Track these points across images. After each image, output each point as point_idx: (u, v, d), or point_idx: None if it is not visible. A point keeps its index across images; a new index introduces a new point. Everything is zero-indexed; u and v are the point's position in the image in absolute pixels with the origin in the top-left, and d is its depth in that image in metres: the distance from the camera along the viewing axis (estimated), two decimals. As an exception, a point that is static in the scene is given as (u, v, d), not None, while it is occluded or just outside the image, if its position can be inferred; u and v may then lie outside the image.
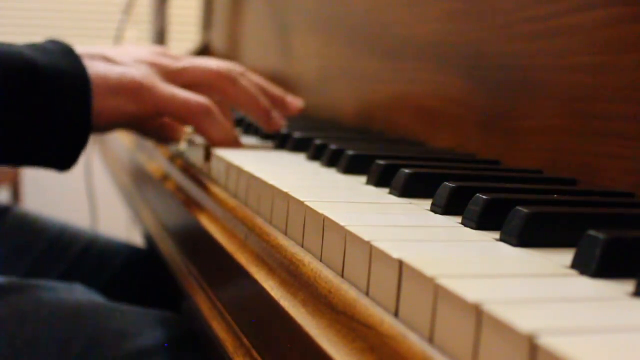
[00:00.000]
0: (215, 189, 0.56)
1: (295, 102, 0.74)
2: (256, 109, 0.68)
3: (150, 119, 0.67)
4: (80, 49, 0.64)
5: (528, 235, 0.34)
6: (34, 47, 0.62)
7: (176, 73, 0.67)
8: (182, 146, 0.72)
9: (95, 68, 0.63)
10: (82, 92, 0.61)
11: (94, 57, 0.65)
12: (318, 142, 0.61)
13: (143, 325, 0.60)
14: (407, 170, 0.46)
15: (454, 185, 0.41)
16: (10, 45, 0.60)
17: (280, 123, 0.70)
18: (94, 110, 0.62)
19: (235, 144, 0.66)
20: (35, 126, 0.60)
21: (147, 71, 0.65)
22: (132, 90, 0.63)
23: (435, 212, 0.41)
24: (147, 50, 0.70)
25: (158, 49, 0.73)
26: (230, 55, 1.40)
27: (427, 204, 0.42)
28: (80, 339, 0.58)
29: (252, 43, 1.34)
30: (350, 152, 0.54)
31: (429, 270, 0.28)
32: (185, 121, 0.67)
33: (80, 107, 0.61)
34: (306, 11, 1.07)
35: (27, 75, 0.59)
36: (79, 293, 0.67)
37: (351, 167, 0.53)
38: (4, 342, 0.57)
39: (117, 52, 0.67)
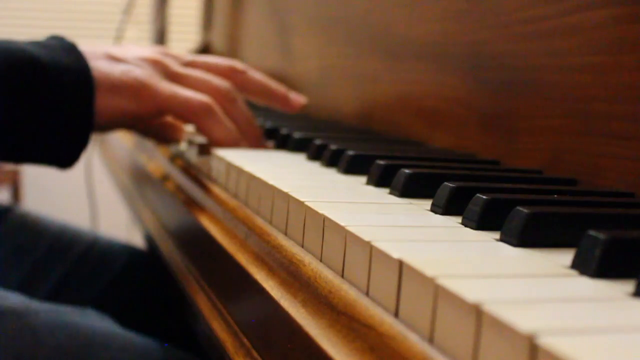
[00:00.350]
0: (215, 189, 0.56)
1: (298, 98, 0.74)
2: (248, 130, 0.68)
3: (152, 117, 0.67)
4: (83, 46, 0.64)
5: (528, 235, 0.34)
6: (36, 44, 0.62)
7: (178, 76, 0.67)
8: (182, 146, 0.72)
9: (98, 65, 0.63)
10: (85, 88, 0.61)
11: (97, 54, 0.65)
12: (318, 142, 0.61)
13: (155, 358, 0.60)
14: (407, 170, 0.46)
15: (454, 185, 0.41)
16: (11, 42, 0.61)
17: (268, 147, 0.70)
18: (96, 107, 0.62)
19: (237, 142, 0.66)
20: (37, 123, 0.60)
21: (150, 70, 0.66)
22: (134, 88, 0.63)
23: (435, 212, 0.41)
24: (150, 50, 0.70)
25: (161, 48, 0.73)
26: (230, 55, 1.40)
27: (427, 204, 0.42)
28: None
29: (252, 43, 1.34)
30: (350, 152, 0.54)
31: (429, 270, 0.28)
32: (186, 120, 0.67)
33: (82, 104, 0.61)
34: (306, 11, 1.07)
35: (30, 71, 0.59)
36: (92, 319, 0.66)
37: (351, 167, 0.53)
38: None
39: (121, 50, 0.67)
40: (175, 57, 0.70)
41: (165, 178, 0.72)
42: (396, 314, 0.30)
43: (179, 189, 0.65)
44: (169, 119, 0.72)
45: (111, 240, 0.96)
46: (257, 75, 0.72)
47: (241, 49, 1.38)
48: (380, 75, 0.82)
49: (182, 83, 0.67)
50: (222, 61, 0.72)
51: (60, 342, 0.59)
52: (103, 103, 0.62)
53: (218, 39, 1.55)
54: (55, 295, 0.82)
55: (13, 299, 0.62)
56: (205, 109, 0.65)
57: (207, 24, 1.64)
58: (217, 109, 0.65)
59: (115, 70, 0.64)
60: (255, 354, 0.39)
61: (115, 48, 0.68)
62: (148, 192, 0.81)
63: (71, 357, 0.58)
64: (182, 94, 0.65)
